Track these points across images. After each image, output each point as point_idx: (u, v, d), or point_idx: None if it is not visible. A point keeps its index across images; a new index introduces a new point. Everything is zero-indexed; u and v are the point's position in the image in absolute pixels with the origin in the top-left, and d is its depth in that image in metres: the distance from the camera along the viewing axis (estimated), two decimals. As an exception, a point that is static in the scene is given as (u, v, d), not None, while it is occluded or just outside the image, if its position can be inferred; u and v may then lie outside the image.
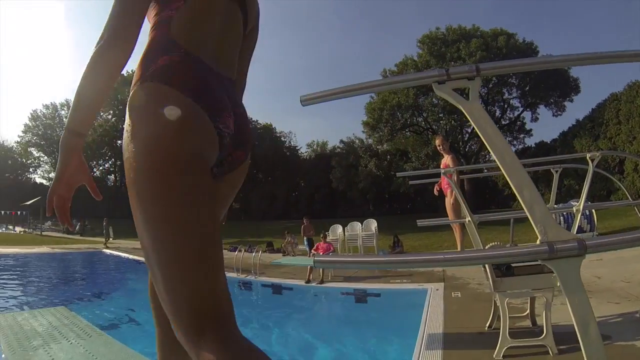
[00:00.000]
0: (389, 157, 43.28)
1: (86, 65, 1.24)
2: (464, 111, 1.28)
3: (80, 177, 1.31)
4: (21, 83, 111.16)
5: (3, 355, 3.75)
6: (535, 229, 1.03)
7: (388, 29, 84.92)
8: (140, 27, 1.30)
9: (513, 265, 3.46)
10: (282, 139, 60.55)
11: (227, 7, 1.43)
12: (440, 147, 7.93)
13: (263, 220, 45.31)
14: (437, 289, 6.46)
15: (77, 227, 28.77)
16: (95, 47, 1.23)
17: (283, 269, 10.97)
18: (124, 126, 1.25)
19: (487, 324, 4.05)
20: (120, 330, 5.85)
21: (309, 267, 9.14)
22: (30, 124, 59.54)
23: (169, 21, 1.32)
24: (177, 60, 1.24)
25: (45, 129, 59.02)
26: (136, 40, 1.29)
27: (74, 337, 3.15)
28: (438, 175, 7.33)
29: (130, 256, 14.71)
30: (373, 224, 14.56)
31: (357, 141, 49.79)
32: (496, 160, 1.13)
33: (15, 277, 12.26)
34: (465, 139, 41.90)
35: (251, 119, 57.81)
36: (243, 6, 1.51)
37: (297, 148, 60.92)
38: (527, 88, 38.05)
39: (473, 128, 41.08)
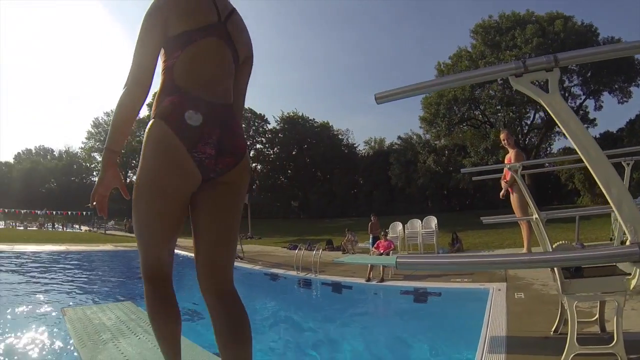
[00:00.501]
0: (447, 152, 42.37)
1: (117, 101, 1.81)
2: (543, 104, 1.26)
3: (115, 182, 1.88)
4: (84, 93, 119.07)
5: (72, 348, 3.86)
6: (624, 228, 1.00)
7: (439, 20, 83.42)
8: (153, 73, 1.87)
9: (583, 266, 3.22)
10: (340, 136, 60.75)
11: (217, 50, 1.92)
12: (505, 141, 7.71)
13: (322, 218, 45.71)
14: (499, 289, 6.28)
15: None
16: (123, 89, 1.81)
17: (343, 267, 10.96)
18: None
19: (553, 328, 3.88)
20: (184, 325, 6.06)
21: (369, 265, 9.08)
22: (93, 131, 63.27)
23: (172, 67, 1.84)
24: (176, 101, 1.78)
25: (106, 135, 60.86)
26: (151, 83, 1.86)
27: (142, 332, 3.19)
28: (502, 170, 7.08)
29: (188, 253, 14.92)
30: (433, 221, 14.29)
31: (414, 137, 49.32)
32: (580, 155, 1.11)
33: (83, 272, 13.07)
34: (525, 131, 40.43)
35: (307, 117, 58.44)
36: (232, 47, 1.98)
37: (354, 145, 61.08)
38: (589, 74, 35.74)
39: (532, 120, 40.15)
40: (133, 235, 1.99)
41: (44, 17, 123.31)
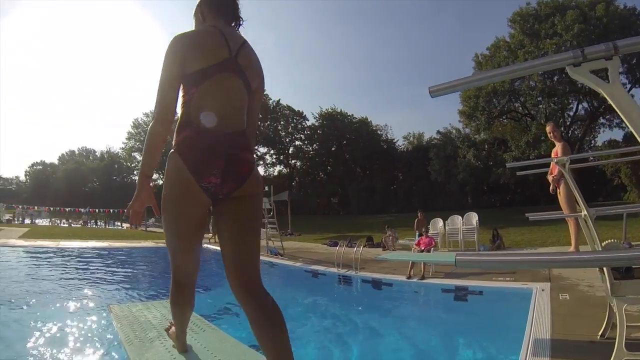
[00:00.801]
0: (486, 146, 41.13)
1: (147, 133, 2.12)
2: (604, 95, 1.24)
3: (148, 201, 2.17)
4: (123, 95, 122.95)
5: (118, 345, 3.99)
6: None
7: (476, 10, 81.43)
8: (175, 107, 2.13)
9: (633, 266, 3.07)
10: (379, 132, 60.18)
11: (230, 84, 2.15)
12: (552, 134, 7.46)
13: (362, 214, 45.39)
14: (542, 289, 6.15)
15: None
16: (151, 122, 2.13)
17: (383, 264, 10.93)
18: None
19: (600, 333, 3.77)
20: (227, 322, 6.25)
21: (410, 262, 9.02)
22: (133, 131, 64.61)
23: (189, 102, 2.10)
24: (190, 136, 2.06)
25: (145, 135, 62.43)
26: (173, 117, 2.13)
27: (188, 330, 3.13)
28: (548, 165, 6.83)
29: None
30: (474, 218, 14.04)
31: (454, 131, 48.00)
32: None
33: (125, 268, 13.41)
34: (568, 123, 39.06)
35: (346, 113, 58.35)
36: (244, 78, 2.20)
37: (393, 141, 60.21)
38: (634, 62, 33.34)
39: (575, 112, 38.89)
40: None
41: (81, 19, 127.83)
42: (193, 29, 2.39)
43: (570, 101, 36.67)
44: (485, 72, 1.47)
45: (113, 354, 4.74)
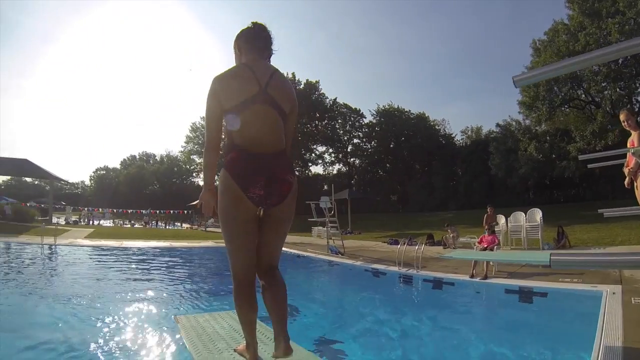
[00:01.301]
0: (548, 138, 38.17)
1: (203, 157, 2.70)
2: None
3: (212, 201, 2.74)
4: (180, 100, 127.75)
5: (186, 355, 3.94)
6: None
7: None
8: (220, 138, 2.67)
9: None
10: (436, 127, 59.18)
11: (263, 113, 2.58)
12: (626, 122, 6.90)
13: (421, 211, 44.83)
14: (613, 293, 5.87)
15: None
16: (204, 149, 2.67)
17: (444, 262, 10.83)
18: None
19: None
20: (299, 332, 6.26)
21: (473, 261, 8.95)
22: (191, 135, 66.66)
23: (232, 131, 2.58)
24: (234, 157, 2.54)
25: (204, 138, 64.32)
26: (220, 145, 2.69)
27: (258, 342, 3.10)
28: (624, 156, 6.22)
29: (291, 250, 15.34)
30: (538, 214, 13.65)
31: (514, 123, 45.68)
32: None
33: (187, 267, 13.86)
34: (636, 109, 37.15)
35: (403, 109, 58.08)
36: (276, 106, 2.63)
37: (452, 136, 58.99)
38: None
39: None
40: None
41: (139, 24, 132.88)
42: (233, 65, 2.86)
43: (638, 85, 34.69)
44: (575, 57, 1.28)
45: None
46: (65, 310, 6.93)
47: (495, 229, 12.73)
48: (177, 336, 4.98)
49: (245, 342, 3.01)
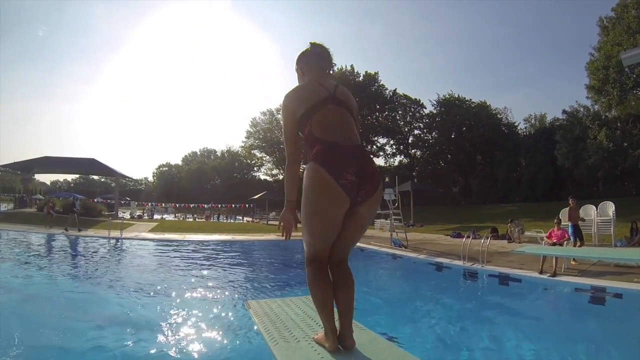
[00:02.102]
0: (619, 124, 35.54)
1: (285, 171, 2.79)
2: None
3: (293, 221, 2.85)
4: (240, 97, 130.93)
5: (260, 341, 3.86)
6: None
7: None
8: (300, 149, 2.79)
9: None
10: (498, 115, 57.05)
11: (337, 111, 2.73)
12: None
13: (484, 204, 43.74)
14: None
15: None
16: (286, 164, 2.78)
17: (510, 257, 10.62)
18: None
19: None
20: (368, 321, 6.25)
21: (542, 257, 8.74)
22: (252, 130, 67.86)
23: (310, 132, 2.65)
24: (321, 148, 2.56)
25: (265, 133, 65.60)
26: (300, 157, 2.80)
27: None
28: None
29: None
30: (610, 208, 12.99)
31: (581, 109, 42.00)
32: None
33: (251, 259, 14.24)
34: None
35: (463, 98, 57.18)
36: (345, 107, 2.79)
37: (514, 124, 56.60)
38: None
39: None
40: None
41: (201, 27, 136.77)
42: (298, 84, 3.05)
43: None
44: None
45: (253, 349, 4.86)
46: (139, 298, 7.48)
47: (562, 223, 11.83)
48: (249, 321, 5.02)
49: (322, 330, 2.90)
